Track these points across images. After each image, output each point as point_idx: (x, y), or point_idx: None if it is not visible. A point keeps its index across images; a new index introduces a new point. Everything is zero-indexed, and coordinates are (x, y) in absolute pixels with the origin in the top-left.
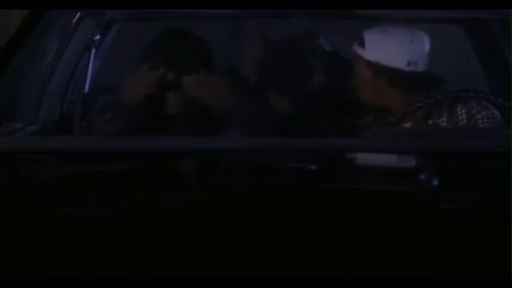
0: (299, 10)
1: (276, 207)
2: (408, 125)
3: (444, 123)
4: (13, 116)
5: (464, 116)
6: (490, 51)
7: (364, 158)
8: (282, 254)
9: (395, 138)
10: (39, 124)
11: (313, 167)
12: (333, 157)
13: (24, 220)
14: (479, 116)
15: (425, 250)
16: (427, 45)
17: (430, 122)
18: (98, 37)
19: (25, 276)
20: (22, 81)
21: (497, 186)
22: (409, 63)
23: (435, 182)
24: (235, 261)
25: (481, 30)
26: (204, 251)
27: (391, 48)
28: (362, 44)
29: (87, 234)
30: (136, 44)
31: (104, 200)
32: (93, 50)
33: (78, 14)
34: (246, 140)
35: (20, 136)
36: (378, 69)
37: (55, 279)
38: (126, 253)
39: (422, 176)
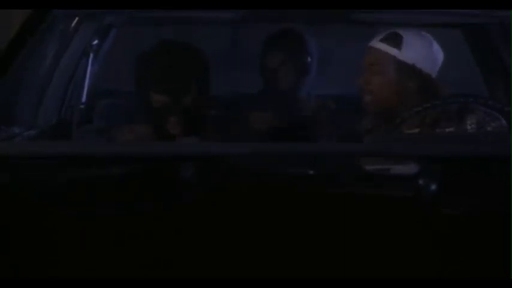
0: (297, 12)
1: (276, 212)
2: (415, 131)
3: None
4: (12, 121)
5: (474, 126)
6: (488, 55)
7: (363, 162)
8: (282, 259)
9: (395, 143)
10: (37, 129)
11: (312, 172)
12: (332, 162)
13: (22, 223)
14: (489, 128)
15: (426, 251)
16: None
17: (438, 130)
18: (96, 42)
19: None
20: (21, 85)
21: (496, 189)
22: (437, 71)
23: (434, 186)
24: (234, 262)
25: (479, 34)
26: (204, 252)
27: (429, 53)
28: (396, 43)
29: (85, 236)
30: (135, 48)
31: (100, 203)
32: (92, 54)
33: (77, 18)
34: (246, 146)
35: (18, 141)
36: (410, 72)
37: (49, 281)
38: (123, 255)
39: (421, 181)
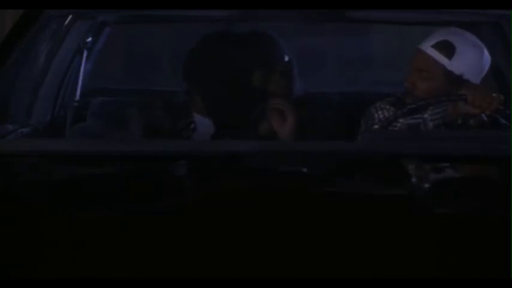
0: (293, 12)
1: (268, 209)
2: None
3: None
4: (5, 119)
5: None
6: None
7: (357, 161)
8: (277, 256)
9: (389, 141)
10: (31, 127)
11: (305, 170)
12: (326, 160)
13: (15, 222)
14: (472, 121)
15: (425, 251)
16: None
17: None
18: (89, 40)
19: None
20: (14, 84)
21: (496, 188)
22: (481, 78)
23: (434, 186)
24: (234, 262)
25: (475, 33)
26: (202, 253)
27: (478, 64)
28: (448, 53)
29: (80, 236)
30: (128, 47)
31: (95, 202)
32: (85, 52)
33: (70, 17)
34: (240, 145)
35: (11, 139)
36: (455, 80)
37: (39, 280)
38: (120, 255)
39: (420, 180)
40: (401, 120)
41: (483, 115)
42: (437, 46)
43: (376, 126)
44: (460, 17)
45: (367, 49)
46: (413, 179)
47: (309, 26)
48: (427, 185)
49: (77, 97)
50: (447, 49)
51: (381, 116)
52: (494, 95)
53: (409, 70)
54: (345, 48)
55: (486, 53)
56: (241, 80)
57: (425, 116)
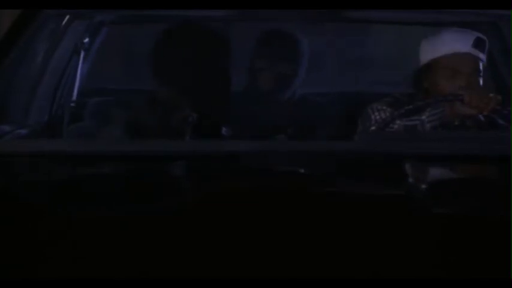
0: (292, 11)
1: (268, 209)
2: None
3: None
4: (2, 119)
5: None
6: None
7: (354, 161)
8: (277, 256)
9: (387, 141)
10: (28, 127)
11: (305, 170)
12: (326, 160)
13: (12, 222)
14: (469, 122)
15: (425, 252)
16: None
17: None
18: (87, 40)
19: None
20: (12, 84)
21: (495, 188)
22: None
23: (433, 186)
24: (232, 263)
25: None
26: (202, 253)
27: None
28: (481, 47)
29: (78, 236)
30: (126, 47)
31: (93, 202)
32: (83, 53)
33: (67, 17)
34: (239, 144)
35: (9, 139)
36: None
37: (39, 280)
38: (118, 256)
39: (411, 180)
40: (398, 121)
41: (480, 116)
42: (477, 45)
43: (372, 128)
44: (459, 17)
45: (367, 49)
46: (413, 179)
47: (309, 26)
48: (426, 186)
49: (75, 97)
50: (484, 45)
51: (378, 117)
52: (491, 95)
53: (435, 71)
54: (345, 48)
55: None
56: (216, 70)
57: (423, 117)
